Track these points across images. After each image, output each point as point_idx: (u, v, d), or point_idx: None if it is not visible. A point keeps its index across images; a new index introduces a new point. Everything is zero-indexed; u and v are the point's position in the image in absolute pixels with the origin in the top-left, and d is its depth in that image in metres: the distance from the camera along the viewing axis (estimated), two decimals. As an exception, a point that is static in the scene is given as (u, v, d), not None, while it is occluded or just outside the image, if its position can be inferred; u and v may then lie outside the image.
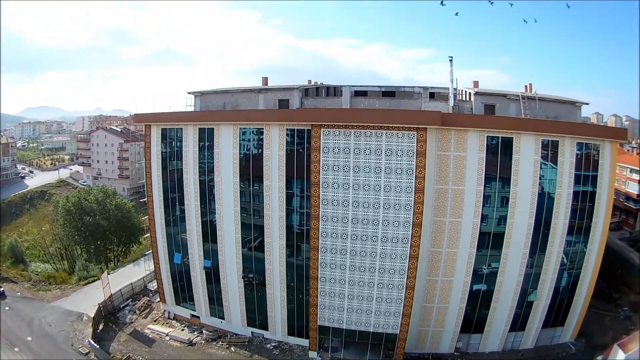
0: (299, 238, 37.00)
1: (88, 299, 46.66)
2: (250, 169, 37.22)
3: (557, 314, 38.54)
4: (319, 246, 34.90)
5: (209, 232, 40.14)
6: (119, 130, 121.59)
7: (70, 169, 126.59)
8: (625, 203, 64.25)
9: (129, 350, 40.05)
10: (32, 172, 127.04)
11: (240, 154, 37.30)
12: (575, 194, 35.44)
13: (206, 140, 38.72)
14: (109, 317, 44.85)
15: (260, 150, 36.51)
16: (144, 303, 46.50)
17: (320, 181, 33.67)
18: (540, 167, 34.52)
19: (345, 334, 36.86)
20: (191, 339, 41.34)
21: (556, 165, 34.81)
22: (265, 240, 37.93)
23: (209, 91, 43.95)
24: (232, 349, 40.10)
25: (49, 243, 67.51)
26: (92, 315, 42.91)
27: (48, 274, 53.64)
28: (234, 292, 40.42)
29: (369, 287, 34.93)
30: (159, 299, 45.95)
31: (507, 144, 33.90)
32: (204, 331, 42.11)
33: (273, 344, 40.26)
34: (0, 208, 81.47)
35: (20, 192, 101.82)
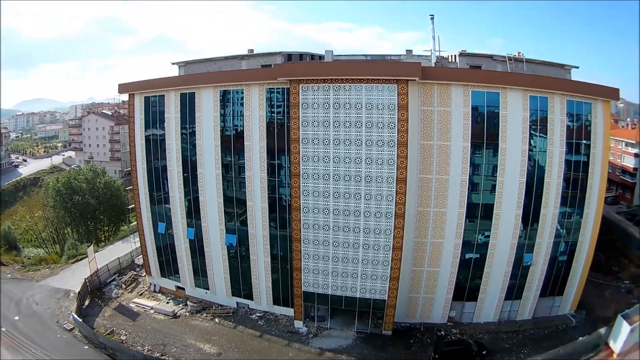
0: (282, 199, 34.61)
1: (76, 276, 44.50)
2: (231, 131, 35.03)
3: (554, 283, 35.51)
4: (301, 206, 32.32)
5: (192, 201, 37.83)
6: (110, 114, 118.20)
7: (63, 155, 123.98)
8: (622, 177, 61.10)
9: (112, 325, 37.70)
10: (25, 160, 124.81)
11: (220, 116, 34.99)
12: (568, 158, 32.64)
13: (187, 105, 36.47)
14: (95, 292, 42.54)
15: (241, 112, 34.30)
16: (130, 277, 44.26)
17: (300, 137, 31.18)
18: (530, 128, 31.76)
19: (332, 301, 34.19)
20: (175, 311, 39.02)
21: (546, 125, 32.69)
22: (247, 203, 35.69)
23: (193, 61, 42.10)
24: (217, 320, 37.66)
25: (42, 228, 65.38)
26: (78, 291, 40.80)
27: (40, 257, 51.68)
28: (218, 262, 37.98)
29: (354, 249, 32.30)
30: (145, 273, 43.86)
31: (493, 99, 31.71)
32: (188, 303, 39.60)
33: (258, 314, 37.67)
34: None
35: (13, 180, 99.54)
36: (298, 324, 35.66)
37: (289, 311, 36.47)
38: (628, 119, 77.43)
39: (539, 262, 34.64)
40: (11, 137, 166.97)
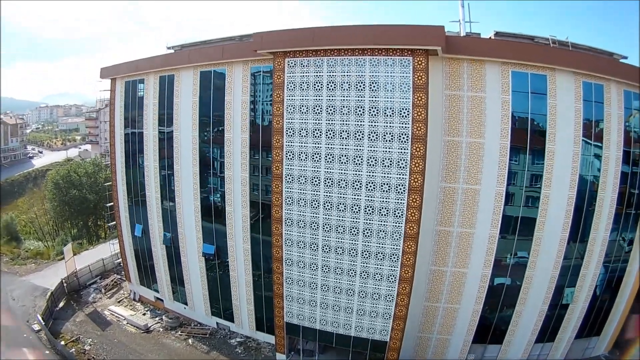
0: (265, 207, 24.97)
1: (59, 275, 36.29)
2: (210, 120, 25.97)
3: (594, 321, 25.07)
4: (283, 216, 22.68)
5: (168, 201, 29.07)
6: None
7: (80, 148, 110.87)
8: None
9: (80, 332, 29.75)
10: (41, 152, 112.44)
11: (200, 102, 26.01)
12: (624, 169, 22.50)
13: (166, 90, 27.45)
14: (73, 294, 34.41)
15: (222, 97, 25.14)
16: (112, 281, 35.73)
17: (284, 127, 21.39)
18: (584, 124, 21.34)
19: (320, 337, 24.23)
20: (148, 325, 30.42)
21: (602, 121, 21.87)
22: (226, 208, 26.31)
23: (188, 44, 33.79)
24: (190, 340, 28.71)
25: (45, 221, 57.92)
26: (52, 291, 32.94)
27: (37, 250, 44.57)
28: (196, 274, 28.69)
29: (349, 277, 22.28)
30: (125, 279, 35.21)
31: (539, 84, 21.09)
32: (164, 317, 30.78)
33: (239, 340, 28.14)
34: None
35: (25, 171, 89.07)
36: (280, 357, 25.78)
37: (274, 339, 27.58)
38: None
39: (581, 299, 23.96)
40: (30, 129, 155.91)
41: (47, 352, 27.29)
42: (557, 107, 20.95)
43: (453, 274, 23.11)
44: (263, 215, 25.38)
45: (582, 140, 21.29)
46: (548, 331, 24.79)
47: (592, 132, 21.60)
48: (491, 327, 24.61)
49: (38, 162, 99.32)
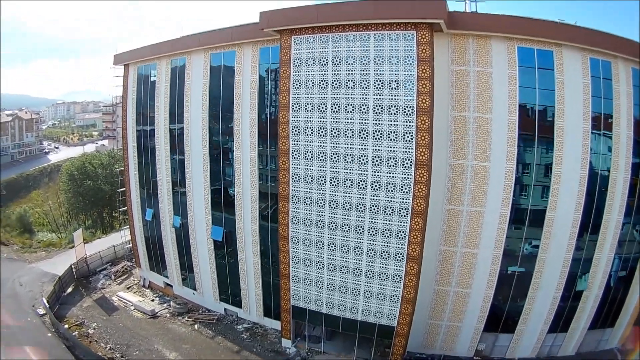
0: (273, 187, 25.31)
1: (70, 262, 38.21)
2: (220, 101, 26.55)
3: (608, 311, 24.54)
4: (290, 193, 22.95)
5: (178, 183, 29.73)
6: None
7: (96, 144, 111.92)
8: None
9: (86, 317, 30.32)
10: (57, 147, 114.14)
11: (210, 84, 26.73)
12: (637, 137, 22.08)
13: (178, 73, 28.28)
14: (82, 280, 35.15)
15: (231, 77, 25.78)
16: (122, 268, 36.48)
17: (290, 102, 21.80)
18: (592, 101, 21.30)
19: (326, 321, 24.25)
20: (155, 310, 30.87)
21: (611, 99, 21.69)
22: (235, 189, 26.84)
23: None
24: (196, 326, 29.04)
25: (60, 214, 58.90)
26: (60, 276, 33.91)
27: (49, 241, 45.49)
28: (205, 259, 29.16)
29: (355, 255, 22.32)
30: (136, 265, 35.98)
31: (545, 59, 21.07)
32: (172, 303, 31.08)
33: (245, 326, 28.32)
34: None
35: (40, 166, 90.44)
36: (286, 343, 25.94)
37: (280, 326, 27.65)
38: None
39: (595, 286, 23.54)
40: (47, 125, 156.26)
41: (49, 334, 27.87)
42: (565, 82, 20.88)
43: (463, 255, 22.94)
44: (272, 195, 25.83)
45: (592, 115, 21.14)
46: (561, 320, 24.28)
47: (602, 109, 21.47)
48: (503, 315, 24.26)
49: (54, 158, 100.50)
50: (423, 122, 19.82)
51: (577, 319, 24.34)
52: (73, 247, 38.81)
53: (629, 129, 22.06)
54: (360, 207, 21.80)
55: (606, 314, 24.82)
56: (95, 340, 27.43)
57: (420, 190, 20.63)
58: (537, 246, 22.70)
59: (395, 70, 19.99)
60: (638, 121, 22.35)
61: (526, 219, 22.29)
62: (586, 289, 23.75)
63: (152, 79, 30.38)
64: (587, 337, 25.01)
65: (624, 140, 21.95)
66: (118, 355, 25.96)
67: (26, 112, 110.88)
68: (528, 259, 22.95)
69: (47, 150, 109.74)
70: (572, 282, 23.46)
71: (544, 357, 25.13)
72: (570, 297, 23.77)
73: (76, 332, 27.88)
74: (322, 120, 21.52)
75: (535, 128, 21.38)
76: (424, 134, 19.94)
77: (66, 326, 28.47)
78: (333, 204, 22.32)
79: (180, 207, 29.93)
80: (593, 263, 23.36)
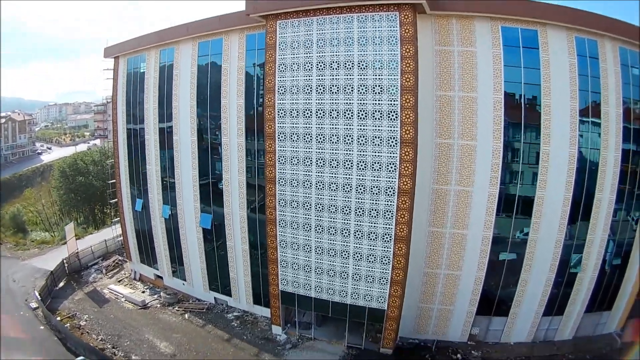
0: (260, 172, 25.34)
1: (62, 257, 38.94)
2: (207, 88, 26.66)
3: (604, 295, 24.47)
4: (277, 176, 23.06)
5: (167, 170, 29.71)
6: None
7: (89, 143, 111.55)
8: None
9: (77, 309, 30.36)
10: (49, 148, 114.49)
11: (198, 72, 26.92)
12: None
13: (166, 62, 28.46)
14: (73, 275, 35.12)
15: (219, 64, 26.03)
16: (113, 262, 36.46)
17: (276, 85, 21.86)
18: (579, 79, 21.40)
19: (315, 306, 24.24)
20: (146, 301, 30.94)
21: (598, 77, 21.81)
22: (223, 175, 26.91)
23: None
24: (186, 315, 29.02)
25: (52, 212, 59.04)
26: (51, 271, 33.98)
27: (42, 240, 45.45)
28: (194, 249, 29.11)
29: (342, 236, 22.28)
30: (127, 258, 35.78)
31: (530, 39, 21.29)
32: (162, 294, 31.22)
33: (236, 314, 28.26)
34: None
35: (32, 166, 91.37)
36: (276, 329, 25.88)
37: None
38: None
39: (589, 268, 23.43)
40: (39, 127, 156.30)
41: (42, 327, 27.91)
42: (550, 61, 21.01)
43: (452, 236, 22.96)
44: (259, 181, 25.90)
45: (580, 93, 21.30)
46: (556, 303, 24.20)
47: (589, 87, 21.61)
48: (495, 297, 24.21)
49: (47, 158, 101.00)
50: (407, 100, 19.94)
51: (573, 301, 24.22)
52: (65, 243, 38.78)
53: (618, 108, 22.11)
54: (347, 187, 21.87)
55: (602, 297, 24.70)
56: (87, 332, 27.39)
57: (406, 168, 20.71)
58: (527, 233, 22.68)
59: (379, 51, 20.15)
60: (627, 107, 22.45)
61: (516, 199, 22.32)
62: (580, 271, 23.63)
63: (142, 70, 30.53)
64: (584, 320, 24.84)
65: (613, 117, 21.97)
66: (109, 346, 25.88)
67: (19, 114, 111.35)
68: (520, 242, 22.91)
69: (39, 151, 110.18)
70: (566, 264, 23.34)
71: (540, 342, 24.90)
72: (564, 280, 23.64)
73: (68, 324, 27.84)
74: (307, 102, 21.65)
75: (522, 106, 21.50)
76: (409, 112, 20.05)
77: (58, 318, 28.49)
78: (319, 185, 22.39)
79: (169, 195, 29.97)
80: (586, 244, 23.25)
